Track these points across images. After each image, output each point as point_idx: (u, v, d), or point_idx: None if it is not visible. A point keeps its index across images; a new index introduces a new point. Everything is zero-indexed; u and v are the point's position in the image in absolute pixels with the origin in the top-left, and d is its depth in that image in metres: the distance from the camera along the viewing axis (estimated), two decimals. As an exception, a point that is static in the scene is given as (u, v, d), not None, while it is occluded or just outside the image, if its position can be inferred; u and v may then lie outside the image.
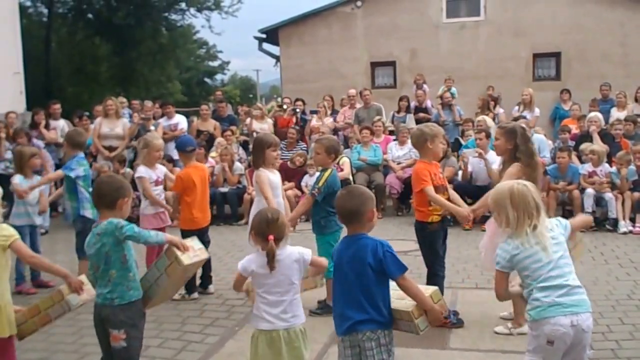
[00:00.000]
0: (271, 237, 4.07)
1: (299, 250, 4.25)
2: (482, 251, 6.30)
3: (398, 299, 4.07)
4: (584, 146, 11.48)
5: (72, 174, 7.62)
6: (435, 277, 6.20)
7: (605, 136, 11.98)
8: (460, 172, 11.53)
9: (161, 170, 7.96)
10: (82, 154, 7.97)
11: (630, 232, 10.28)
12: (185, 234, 7.42)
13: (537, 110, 14.25)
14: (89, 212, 7.62)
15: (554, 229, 4.00)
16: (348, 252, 3.99)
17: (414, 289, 3.97)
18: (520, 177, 5.50)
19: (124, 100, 14.80)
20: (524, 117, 12.91)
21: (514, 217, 3.93)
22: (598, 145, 11.30)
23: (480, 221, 7.25)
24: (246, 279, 4.25)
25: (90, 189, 7.57)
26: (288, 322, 4.13)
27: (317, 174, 6.88)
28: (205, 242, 7.63)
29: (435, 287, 4.21)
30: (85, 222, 7.57)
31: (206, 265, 7.64)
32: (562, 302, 3.84)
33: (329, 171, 6.68)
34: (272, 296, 4.13)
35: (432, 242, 6.25)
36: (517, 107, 14.73)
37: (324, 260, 4.47)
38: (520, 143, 5.90)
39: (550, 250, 3.88)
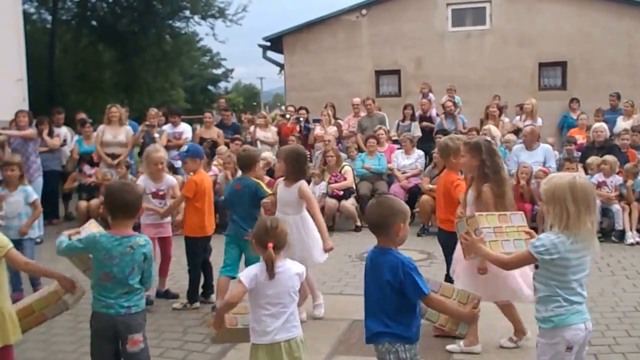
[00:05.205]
0: (270, 244, 4.07)
1: (299, 266, 4.30)
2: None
3: None
4: (591, 160, 11.33)
5: None
6: None
7: (611, 147, 11.88)
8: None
9: (167, 183, 7.80)
10: None
11: (637, 243, 10.19)
12: (191, 242, 7.41)
13: (539, 120, 14.18)
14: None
15: None
16: (372, 263, 3.97)
17: (441, 306, 3.95)
18: (492, 197, 5.47)
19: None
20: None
21: (575, 212, 3.72)
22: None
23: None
24: (245, 292, 4.15)
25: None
26: (290, 332, 4.14)
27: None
28: (208, 251, 7.63)
29: (457, 288, 4.13)
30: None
31: (208, 274, 7.64)
32: (582, 310, 3.84)
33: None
34: (274, 307, 4.11)
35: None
36: (518, 117, 14.68)
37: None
38: (486, 158, 5.62)
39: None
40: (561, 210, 3.74)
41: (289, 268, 4.17)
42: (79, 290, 4.75)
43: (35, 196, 7.68)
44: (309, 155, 13.47)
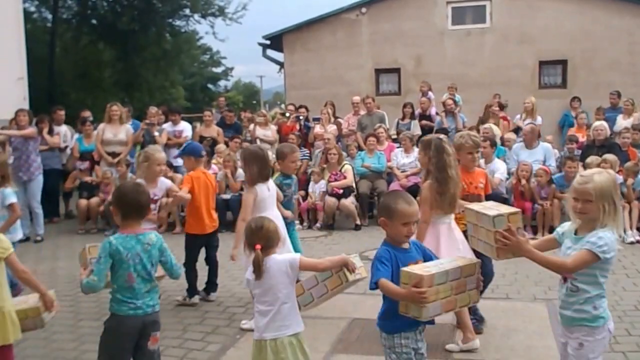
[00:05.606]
0: (258, 246, 4.12)
1: (287, 257, 4.26)
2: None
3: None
4: (590, 159, 11.30)
5: None
6: None
7: (611, 146, 11.85)
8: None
9: (161, 187, 7.46)
10: None
11: (637, 242, 10.15)
12: (191, 239, 7.43)
13: (539, 119, 14.17)
14: None
15: None
16: None
17: (389, 292, 3.81)
18: (430, 194, 5.53)
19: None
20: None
21: (619, 206, 3.74)
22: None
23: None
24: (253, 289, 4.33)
25: None
26: (278, 331, 4.14)
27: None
28: (213, 247, 7.61)
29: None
30: None
31: (212, 271, 7.63)
32: None
33: None
34: (261, 305, 4.18)
35: None
36: (519, 116, 14.68)
37: (320, 263, 4.39)
38: (433, 155, 5.65)
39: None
40: (609, 206, 3.70)
41: (273, 265, 4.14)
42: (56, 308, 4.85)
43: (13, 199, 6.91)
44: (308, 154, 13.51)
